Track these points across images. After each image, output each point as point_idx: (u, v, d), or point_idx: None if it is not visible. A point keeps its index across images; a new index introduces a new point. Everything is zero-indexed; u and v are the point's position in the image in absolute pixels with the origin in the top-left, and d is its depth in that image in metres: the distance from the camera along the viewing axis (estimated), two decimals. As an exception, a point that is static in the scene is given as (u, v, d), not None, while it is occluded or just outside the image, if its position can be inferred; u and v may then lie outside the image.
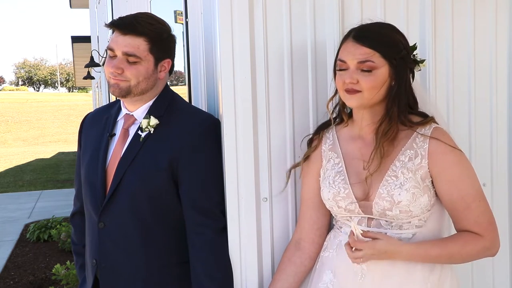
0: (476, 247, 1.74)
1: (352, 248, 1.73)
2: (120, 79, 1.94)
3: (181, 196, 1.96)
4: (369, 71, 1.72)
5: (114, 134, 2.05)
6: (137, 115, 2.02)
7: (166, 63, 2.01)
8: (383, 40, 1.74)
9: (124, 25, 1.93)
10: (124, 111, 2.06)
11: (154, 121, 1.97)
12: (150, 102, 2.02)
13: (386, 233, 1.78)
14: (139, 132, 1.98)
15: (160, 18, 2.01)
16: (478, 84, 2.21)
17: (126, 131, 2.03)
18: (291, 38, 2.03)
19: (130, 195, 1.95)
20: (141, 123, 1.99)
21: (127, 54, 1.92)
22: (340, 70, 1.77)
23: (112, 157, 2.01)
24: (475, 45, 2.20)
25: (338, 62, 1.79)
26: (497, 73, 2.24)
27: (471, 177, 1.76)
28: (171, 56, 2.05)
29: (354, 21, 1.92)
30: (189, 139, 1.94)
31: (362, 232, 1.71)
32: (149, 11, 3.57)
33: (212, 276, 1.93)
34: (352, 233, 1.73)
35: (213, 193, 1.97)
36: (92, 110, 2.45)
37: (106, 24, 1.98)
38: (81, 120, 2.25)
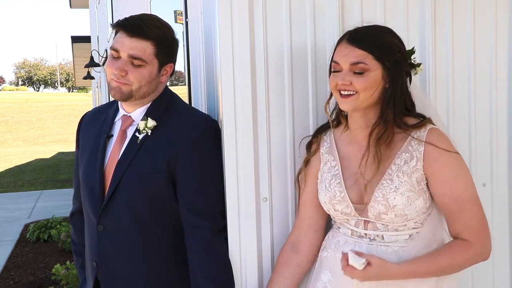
0: (466, 255, 1.73)
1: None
2: (123, 82, 1.91)
3: (178, 198, 1.95)
4: (361, 73, 1.72)
5: (112, 135, 2.03)
6: (135, 117, 2.00)
7: (168, 67, 2.00)
8: (376, 43, 1.73)
9: (131, 27, 1.90)
10: (121, 111, 2.04)
11: (151, 123, 1.95)
12: (148, 104, 2.00)
13: (383, 236, 1.79)
14: (137, 134, 1.96)
15: (164, 21, 2.00)
16: (478, 84, 2.21)
17: (123, 133, 2.01)
18: (291, 38, 2.03)
19: (129, 198, 1.94)
20: (138, 124, 1.97)
21: (132, 57, 1.89)
22: (334, 71, 1.78)
23: (110, 158, 1.99)
24: (475, 46, 2.20)
25: (332, 63, 1.79)
26: (497, 73, 2.24)
27: (466, 179, 1.75)
28: (174, 60, 2.03)
29: (354, 22, 1.92)
30: (186, 140, 1.92)
31: (356, 253, 1.71)
32: (149, 11, 3.57)
33: (211, 277, 1.92)
34: (344, 256, 1.72)
35: (210, 195, 1.95)
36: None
37: (112, 25, 1.95)
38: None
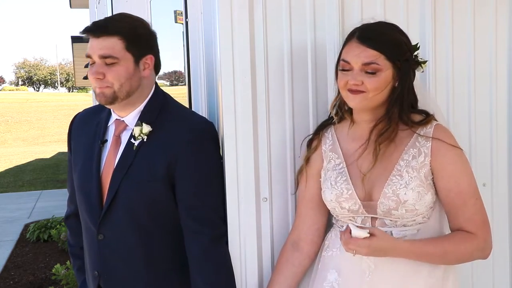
0: (470, 245, 1.74)
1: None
2: (104, 86, 1.86)
3: (177, 202, 1.91)
4: (373, 73, 1.72)
5: (106, 141, 1.98)
6: (128, 121, 1.95)
7: (148, 59, 1.92)
8: (388, 42, 1.74)
9: (96, 28, 1.86)
10: (114, 116, 1.99)
11: (146, 128, 1.90)
12: (141, 107, 1.95)
13: (391, 232, 1.79)
14: (132, 140, 1.91)
15: (137, 16, 1.96)
16: (478, 84, 2.22)
17: (118, 138, 1.96)
18: (291, 38, 2.03)
19: (128, 206, 1.91)
20: (133, 130, 1.92)
21: (103, 57, 1.85)
22: (343, 70, 1.77)
23: (106, 165, 1.95)
24: (475, 45, 2.20)
25: (341, 62, 1.78)
26: (497, 73, 2.24)
27: (470, 175, 1.78)
28: (153, 51, 1.95)
29: (354, 21, 1.92)
30: (184, 143, 1.88)
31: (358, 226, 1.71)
32: (149, 11, 3.57)
33: (212, 283, 1.89)
34: (343, 232, 1.71)
35: (210, 199, 1.92)
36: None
37: (80, 32, 1.91)
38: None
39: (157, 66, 1.99)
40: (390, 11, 2.10)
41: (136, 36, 1.89)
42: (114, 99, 1.88)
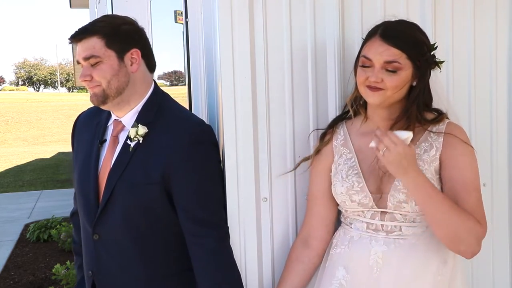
0: (473, 224, 1.69)
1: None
2: (93, 86, 1.87)
3: (176, 208, 1.89)
4: (394, 71, 1.73)
5: (105, 140, 1.97)
6: (126, 122, 1.94)
7: (134, 53, 1.89)
8: (410, 42, 1.75)
9: (77, 33, 1.88)
10: (113, 116, 1.99)
11: (142, 130, 1.88)
12: (139, 107, 1.93)
13: (400, 227, 1.79)
14: (128, 141, 1.90)
15: (122, 15, 1.95)
16: (478, 84, 2.22)
17: (115, 138, 1.95)
18: (291, 38, 2.03)
19: (123, 207, 1.89)
20: (129, 131, 1.90)
21: (87, 58, 1.85)
22: (363, 66, 1.78)
23: (103, 165, 1.94)
24: (475, 45, 2.21)
25: (361, 58, 1.79)
26: (497, 73, 2.24)
27: (476, 171, 1.79)
28: (138, 45, 1.91)
29: (354, 21, 1.92)
30: (180, 149, 1.85)
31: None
32: (149, 11, 3.57)
33: (219, 283, 1.87)
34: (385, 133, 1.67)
35: (209, 203, 1.90)
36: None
37: (68, 40, 1.92)
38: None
39: (148, 61, 1.96)
40: (390, 11, 2.09)
41: (116, 32, 1.88)
42: (105, 97, 1.88)
